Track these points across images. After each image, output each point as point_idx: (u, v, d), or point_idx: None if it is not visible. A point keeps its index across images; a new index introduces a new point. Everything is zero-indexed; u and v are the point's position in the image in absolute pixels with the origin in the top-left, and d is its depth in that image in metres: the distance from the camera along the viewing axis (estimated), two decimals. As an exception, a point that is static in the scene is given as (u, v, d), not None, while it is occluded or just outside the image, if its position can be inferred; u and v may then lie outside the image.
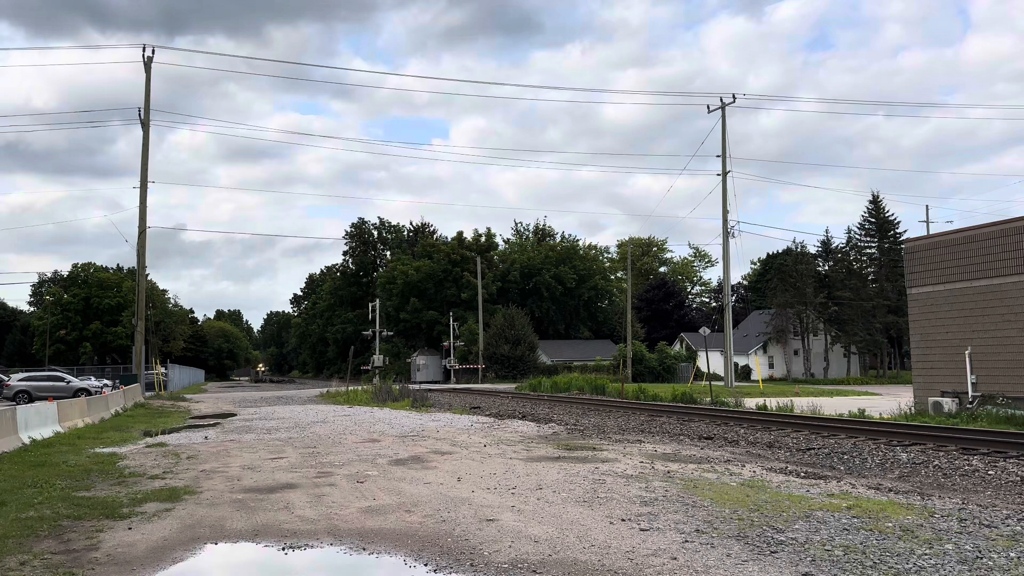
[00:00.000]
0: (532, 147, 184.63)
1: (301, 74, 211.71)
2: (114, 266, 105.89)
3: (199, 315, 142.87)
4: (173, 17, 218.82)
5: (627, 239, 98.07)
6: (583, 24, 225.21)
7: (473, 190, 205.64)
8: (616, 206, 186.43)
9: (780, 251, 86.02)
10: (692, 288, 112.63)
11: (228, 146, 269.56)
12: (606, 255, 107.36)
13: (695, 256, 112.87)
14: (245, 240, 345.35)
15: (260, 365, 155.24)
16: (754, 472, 11.92)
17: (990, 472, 11.99)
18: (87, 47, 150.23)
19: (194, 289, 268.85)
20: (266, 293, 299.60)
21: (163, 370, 49.88)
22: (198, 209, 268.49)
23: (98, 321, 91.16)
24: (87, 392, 35.35)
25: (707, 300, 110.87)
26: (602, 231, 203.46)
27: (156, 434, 19.77)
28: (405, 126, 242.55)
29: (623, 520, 8.38)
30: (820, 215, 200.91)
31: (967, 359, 22.22)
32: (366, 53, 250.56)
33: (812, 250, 77.44)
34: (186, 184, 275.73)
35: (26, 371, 49.96)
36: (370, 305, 71.38)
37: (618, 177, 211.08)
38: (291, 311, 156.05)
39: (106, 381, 46.07)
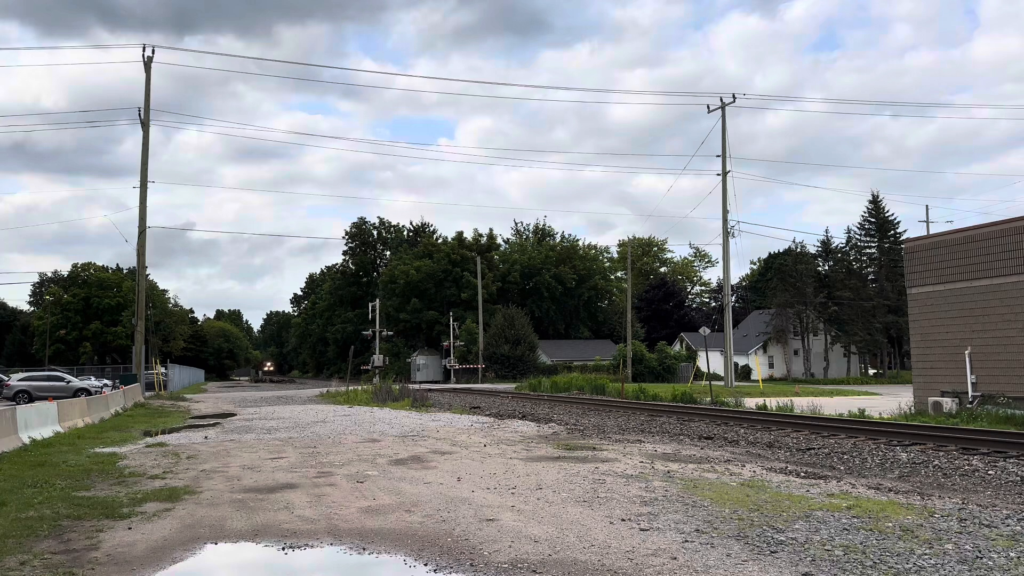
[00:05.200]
0: (539, 147, 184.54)
1: (310, 75, 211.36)
2: (119, 266, 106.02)
3: (199, 315, 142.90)
4: (183, 17, 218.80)
5: (627, 239, 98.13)
6: (592, 24, 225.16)
7: (478, 190, 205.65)
8: (624, 205, 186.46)
9: (780, 251, 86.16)
10: (692, 288, 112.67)
11: (235, 146, 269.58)
12: (606, 255, 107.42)
13: (695, 256, 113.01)
14: (250, 239, 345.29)
15: (268, 364, 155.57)
16: (754, 472, 11.92)
17: (990, 472, 12.00)
18: (95, 47, 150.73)
19: (199, 288, 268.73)
20: (271, 292, 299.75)
21: (163, 370, 49.87)
22: (204, 209, 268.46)
23: (98, 321, 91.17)
24: (87, 392, 35.35)
25: (707, 300, 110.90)
26: (610, 230, 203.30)
27: (156, 434, 19.77)
28: (412, 126, 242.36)
29: (623, 520, 8.38)
30: (824, 215, 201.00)
31: (967, 359, 22.22)
32: (376, 53, 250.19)
33: (812, 250, 77.55)
34: (193, 184, 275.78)
35: (26, 371, 49.95)
36: (370, 305, 71.38)
37: (625, 177, 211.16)
38: (291, 311, 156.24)
39: (106, 381, 46.08)
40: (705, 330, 37.94)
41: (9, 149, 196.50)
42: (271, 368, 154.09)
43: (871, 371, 71.85)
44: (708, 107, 49.44)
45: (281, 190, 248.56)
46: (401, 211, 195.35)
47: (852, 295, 67.64)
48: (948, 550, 6.98)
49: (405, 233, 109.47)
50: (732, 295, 59.11)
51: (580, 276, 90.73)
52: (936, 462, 13.10)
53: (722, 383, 48.40)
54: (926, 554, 6.84)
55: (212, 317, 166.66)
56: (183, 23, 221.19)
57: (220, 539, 7.84)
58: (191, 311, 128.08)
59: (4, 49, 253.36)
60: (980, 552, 6.91)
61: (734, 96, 48.60)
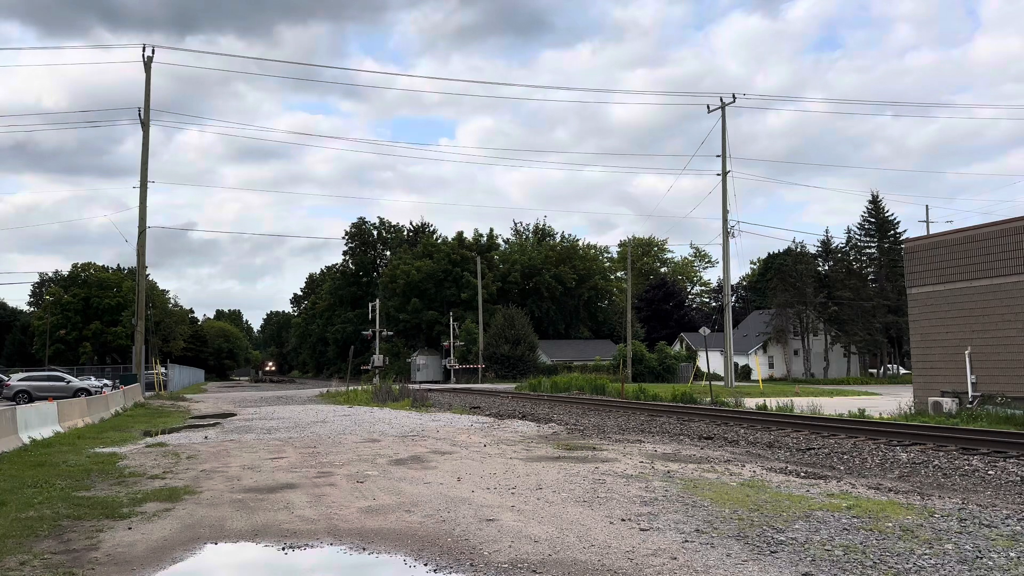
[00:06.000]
0: (539, 147, 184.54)
1: (311, 75, 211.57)
2: (119, 266, 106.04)
3: (199, 315, 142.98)
4: (184, 16, 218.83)
5: (627, 239, 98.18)
6: (594, 24, 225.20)
7: (478, 190, 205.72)
8: (624, 205, 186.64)
9: (780, 251, 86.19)
10: (692, 288, 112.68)
11: (236, 146, 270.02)
12: (606, 255, 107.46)
13: (695, 256, 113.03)
14: (251, 239, 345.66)
15: (269, 364, 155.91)
16: (754, 472, 11.92)
17: (990, 472, 11.99)
18: (96, 47, 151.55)
19: (199, 288, 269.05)
20: (271, 292, 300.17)
21: (163, 370, 49.87)
22: (204, 209, 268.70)
23: (98, 321, 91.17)
24: (87, 392, 35.35)
25: (707, 300, 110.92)
26: (610, 230, 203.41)
27: (156, 434, 19.77)
28: (413, 126, 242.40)
29: (623, 520, 8.38)
30: (825, 215, 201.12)
31: (967, 359, 22.22)
32: (377, 53, 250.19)
33: (812, 250, 77.56)
34: (193, 184, 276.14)
35: (26, 371, 49.95)
36: (370, 305, 71.40)
37: (625, 177, 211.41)
38: (291, 311, 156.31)
39: (106, 381, 46.08)
40: (705, 330, 37.95)
41: (10, 149, 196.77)
42: (272, 368, 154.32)
43: (871, 371, 71.88)
44: (708, 107, 49.44)
45: (281, 190, 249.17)
46: (401, 211, 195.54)
47: (852, 295, 67.65)
48: (948, 550, 6.98)
49: (405, 233, 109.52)
50: (732, 295, 59.12)
51: (580, 276, 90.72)
52: (936, 462, 13.10)
53: (722, 383, 48.39)
54: (926, 554, 6.84)
55: (212, 317, 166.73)
56: (184, 23, 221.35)
57: (220, 539, 7.84)
58: (191, 311, 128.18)
59: (5, 49, 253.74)
60: (980, 552, 6.90)
61: (734, 96, 48.64)
